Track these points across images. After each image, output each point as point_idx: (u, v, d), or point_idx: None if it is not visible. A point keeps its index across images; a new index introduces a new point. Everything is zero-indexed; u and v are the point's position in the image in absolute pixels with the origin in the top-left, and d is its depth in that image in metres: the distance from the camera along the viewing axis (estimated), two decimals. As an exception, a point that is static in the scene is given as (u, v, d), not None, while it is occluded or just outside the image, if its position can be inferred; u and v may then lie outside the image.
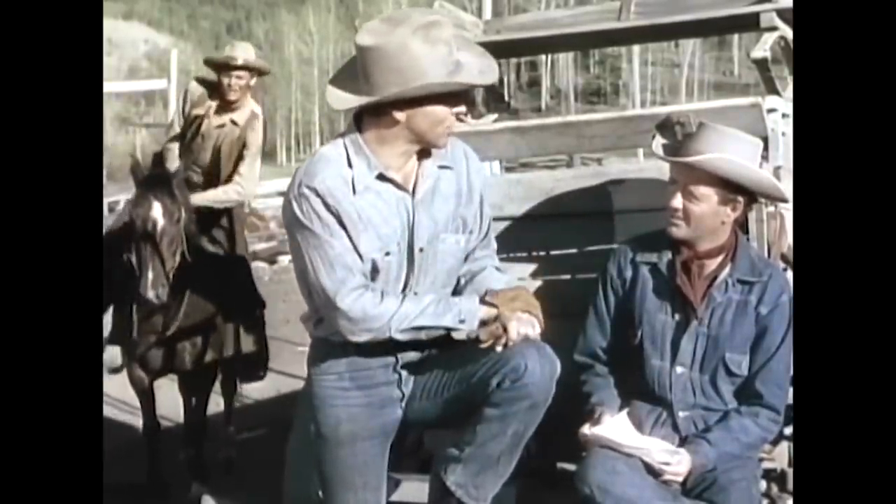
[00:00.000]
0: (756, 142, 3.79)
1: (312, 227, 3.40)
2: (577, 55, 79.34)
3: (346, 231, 3.41)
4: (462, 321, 3.44)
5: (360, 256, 3.43)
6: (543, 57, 75.89)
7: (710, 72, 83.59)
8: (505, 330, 3.39)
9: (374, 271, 3.48)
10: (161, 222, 5.58)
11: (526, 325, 3.41)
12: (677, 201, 3.77)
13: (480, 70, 3.42)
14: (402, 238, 3.50)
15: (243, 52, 6.80)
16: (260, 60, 7.09)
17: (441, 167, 3.54)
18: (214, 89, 6.82)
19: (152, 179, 5.86)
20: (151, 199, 5.67)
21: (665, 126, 3.97)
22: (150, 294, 5.55)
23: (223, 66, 6.70)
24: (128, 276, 5.86)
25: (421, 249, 3.51)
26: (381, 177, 3.46)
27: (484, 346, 3.41)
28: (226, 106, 6.76)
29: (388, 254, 3.47)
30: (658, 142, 3.92)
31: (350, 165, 3.44)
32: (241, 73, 6.69)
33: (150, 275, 5.55)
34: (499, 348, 3.39)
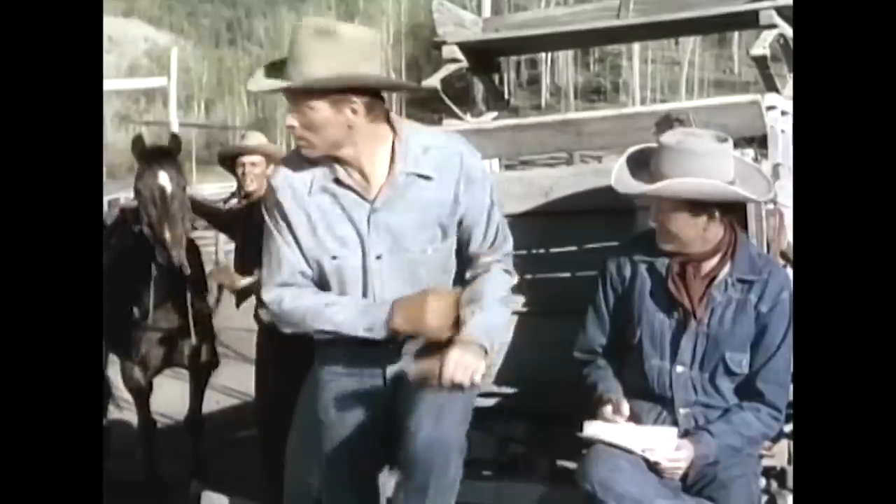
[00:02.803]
0: (715, 149, 3.74)
1: (268, 219, 3.52)
2: (577, 53, 79.44)
3: (291, 229, 3.48)
4: (369, 330, 3.44)
5: (305, 256, 3.49)
6: (543, 55, 75.89)
7: (711, 70, 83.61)
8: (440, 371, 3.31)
9: (322, 274, 3.52)
10: (169, 188, 5.74)
11: (463, 371, 3.29)
12: (653, 221, 3.80)
13: None
14: (355, 244, 3.49)
15: (254, 139, 6.60)
16: (272, 145, 6.83)
17: (413, 174, 3.47)
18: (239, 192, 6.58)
19: (154, 153, 6.02)
20: (156, 169, 5.83)
21: (664, 123, 3.98)
22: (174, 254, 5.67)
23: (236, 156, 6.40)
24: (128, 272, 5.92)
25: (378, 257, 3.49)
26: (338, 181, 3.47)
27: (413, 383, 3.40)
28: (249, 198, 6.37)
29: (334, 257, 3.49)
30: (620, 174, 3.91)
31: (316, 164, 3.48)
32: (254, 158, 6.34)
33: (168, 236, 5.69)
34: (430, 386, 3.33)
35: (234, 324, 7.78)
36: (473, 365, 3.30)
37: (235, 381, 8.81)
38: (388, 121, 3.49)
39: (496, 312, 3.53)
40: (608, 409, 3.79)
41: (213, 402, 7.04)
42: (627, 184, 3.84)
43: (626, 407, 3.80)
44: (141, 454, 6.72)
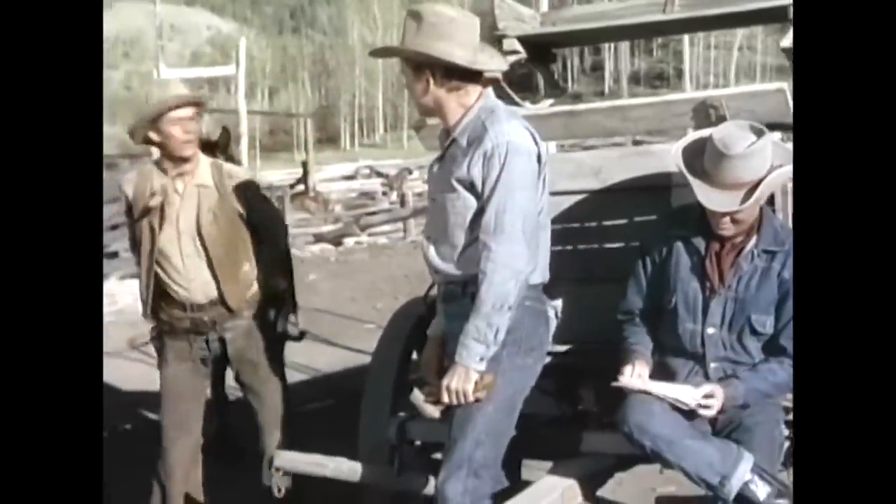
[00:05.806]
0: (765, 141, 4.11)
1: None
2: (639, 40, 78.91)
3: None
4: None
5: None
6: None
7: (773, 55, 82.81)
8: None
9: None
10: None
11: (455, 396, 3.95)
12: (727, 221, 4.18)
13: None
14: None
15: (175, 88, 5.27)
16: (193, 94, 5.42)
17: (457, 141, 4.07)
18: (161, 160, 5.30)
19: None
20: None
21: (700, 109, 4.43)
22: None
23: (164, 113, 5.04)
24: None
25: (433, 199, 4.19)
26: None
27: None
28: (182, 169, 5.21)
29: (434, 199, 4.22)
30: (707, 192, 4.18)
31: None
32: (189, 109, 5.10)
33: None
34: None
35: (304, 302, 8.13)
36: (461, 388, 3.93)
37: (305, 357, 9.15)
38: (480, 96, 4.08)
39: (484, 312, 3.88)
40: (628, 368, 4.23)
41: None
42: (721, 201, 4.13)
43: (650, 360, 4.31)
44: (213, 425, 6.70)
